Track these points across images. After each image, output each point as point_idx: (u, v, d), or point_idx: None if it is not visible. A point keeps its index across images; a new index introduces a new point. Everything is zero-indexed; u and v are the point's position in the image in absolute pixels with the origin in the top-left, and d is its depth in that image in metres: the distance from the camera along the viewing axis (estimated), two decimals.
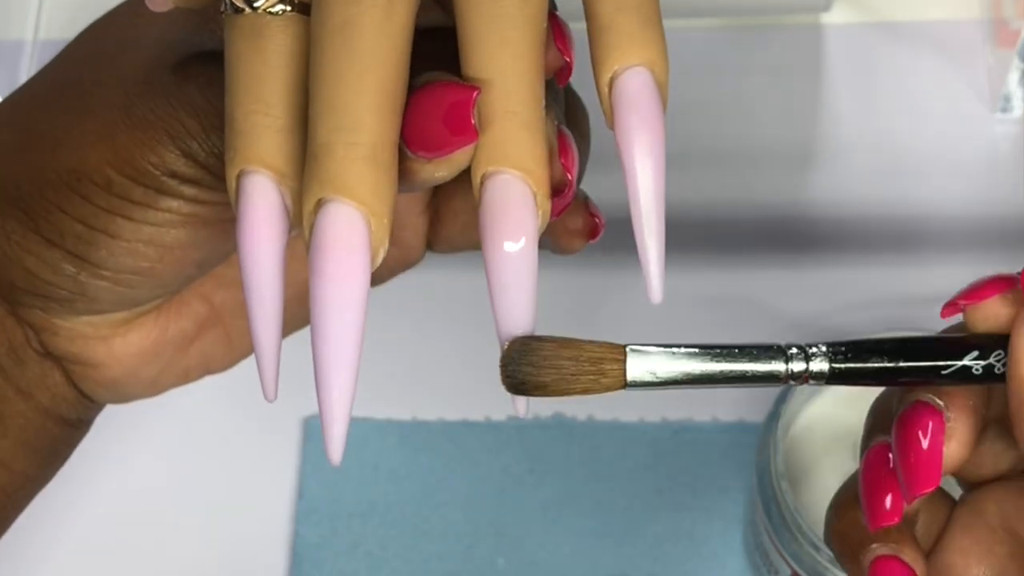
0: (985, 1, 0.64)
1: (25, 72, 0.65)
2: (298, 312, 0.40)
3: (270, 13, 0.33)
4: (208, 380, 0.57)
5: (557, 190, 0.34)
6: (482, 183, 0.33)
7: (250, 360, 0.37)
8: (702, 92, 0.63)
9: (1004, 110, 0.62)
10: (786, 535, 0.48)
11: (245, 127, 0.33)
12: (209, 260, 0.40)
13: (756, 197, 0.61)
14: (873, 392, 0.37)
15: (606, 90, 0.34)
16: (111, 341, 0.40)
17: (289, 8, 0.33)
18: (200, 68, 0.38)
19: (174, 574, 0.56)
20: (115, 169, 0.38)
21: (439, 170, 0.33)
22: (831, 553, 0.46)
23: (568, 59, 0.35)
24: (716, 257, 0.60)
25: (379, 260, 0.32)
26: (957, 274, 0.59)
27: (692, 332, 0.58)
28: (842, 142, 0.62)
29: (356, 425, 0.58)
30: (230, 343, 0.43)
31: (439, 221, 0.43)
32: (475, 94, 0.32)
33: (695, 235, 0.60)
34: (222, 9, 0.34)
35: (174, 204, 0.38)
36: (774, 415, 0.49)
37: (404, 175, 0.33)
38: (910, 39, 0.64)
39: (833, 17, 0.64)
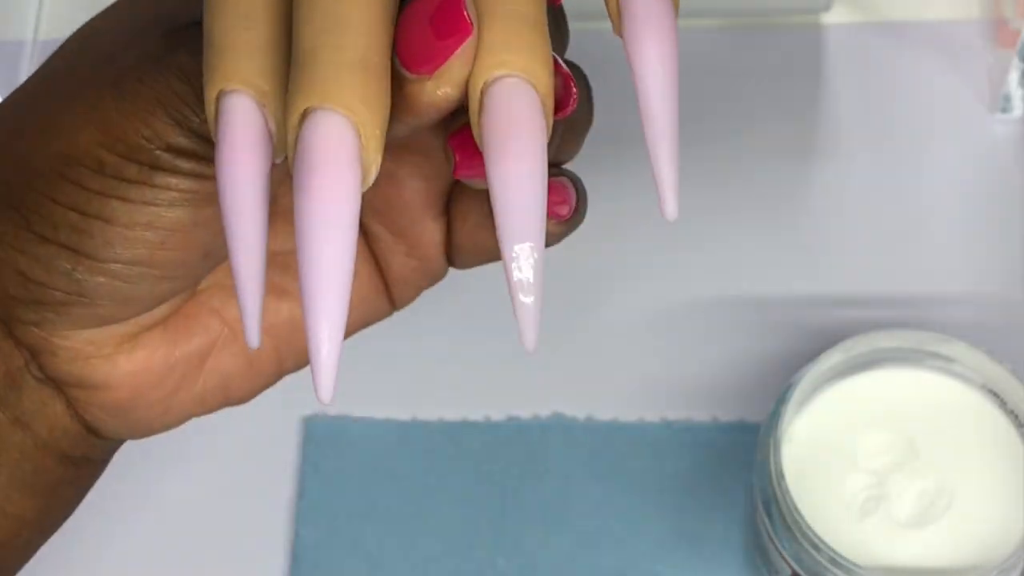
0: (985, 1, 0.64)
1: (25, 72, 0.65)
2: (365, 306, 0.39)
3: None
4: None
5: (559, 103, 0.32)
6: (483, 91, 0.30)
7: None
8: (702, 92, 0.63)
9: (1004, 110, 0.62)
10: (786, 535, 0.48)
11: (225, 43, 0.31)
12: (214, 249, 0.37)
13: (755, 197, 0.61)
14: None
15: None
16: (115, 359, 0.37)
17: None
18: (191, 33, 0.34)
19: (174, 574, 0.56)
20: (106, 148, 0.35)
21: (440, 87, 0.31)
22: (830, 554, 0.46)
23: None
24: (715, 257, 0.60)
25: (371, 179, 0.30)
26: (957, 274, 0.59)
27: (692, 332, 0.58)
28: (842, 142, 0.62)
29: (356, 425, 0.58)
30: (249, 363, 0.39)
31: (451, 227, 0.40)
32: None
33: (694, 235, 0.60)
34: None
35: (172, 180, 0.35)
36: (774, 415, 0.49)
37: (406, 103, 0.31)
38: (910, 39, 0.64)
39: (833, 17, 0.64)
